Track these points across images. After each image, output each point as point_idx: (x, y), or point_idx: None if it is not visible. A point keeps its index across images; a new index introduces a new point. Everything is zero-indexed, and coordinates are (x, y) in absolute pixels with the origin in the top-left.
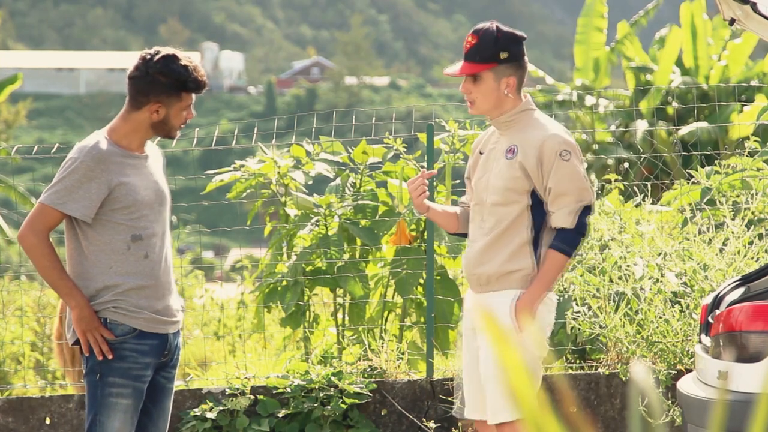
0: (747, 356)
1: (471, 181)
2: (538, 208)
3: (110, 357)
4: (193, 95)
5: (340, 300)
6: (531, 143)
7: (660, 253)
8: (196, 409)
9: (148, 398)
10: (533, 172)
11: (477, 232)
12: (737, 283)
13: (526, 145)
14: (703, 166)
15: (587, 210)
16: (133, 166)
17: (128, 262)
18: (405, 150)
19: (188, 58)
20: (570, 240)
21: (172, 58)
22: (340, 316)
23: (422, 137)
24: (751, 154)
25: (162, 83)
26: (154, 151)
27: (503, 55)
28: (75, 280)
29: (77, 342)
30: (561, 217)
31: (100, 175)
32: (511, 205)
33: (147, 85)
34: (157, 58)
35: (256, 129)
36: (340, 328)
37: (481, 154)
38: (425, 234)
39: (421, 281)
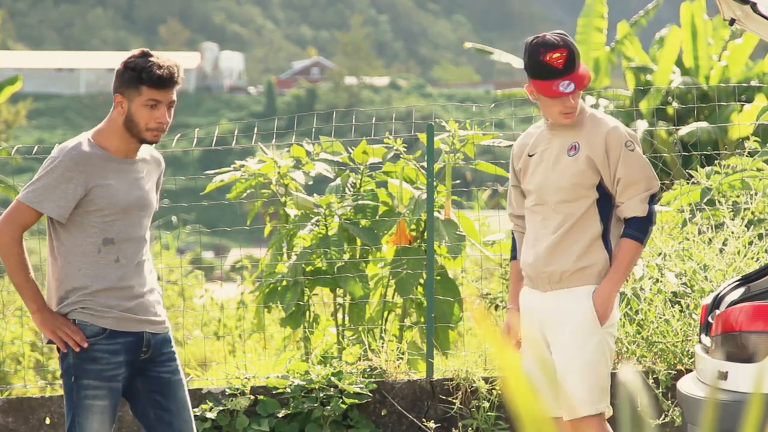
0: (747, 356)
1: (518, 188)
2: (603, 202)
3: (85, 346)
4: (157, 92)
5: (340, 300)
6: (595, 137)
7: (660, 253)
8: (196, 409)
9: (160, 395)
10: (602, 165)
11: (541, 232)
12: (737, 283)
13: (590, 140)
14: (703, 167)
15: (654, 198)
16: (116, 169)
17: (98, 265)
18: (405, 150)
19: (164, 57)
20: (643, 227)
21: (141, 53)
22: (340, 316)
23: (422, 137)
24: (751, 155)
25: (121, 74)
26: (151, 159)
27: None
28: (49, 281)
29: (51, 341)
30: (633, 206)
31: (78, 176)
32: (579, 201)
33: (117, 80)
34: (132, 54)
35: (256, 129)
36: (340, 328)
37: (530, 156)
38: (425, 234)
39: (421, 281)
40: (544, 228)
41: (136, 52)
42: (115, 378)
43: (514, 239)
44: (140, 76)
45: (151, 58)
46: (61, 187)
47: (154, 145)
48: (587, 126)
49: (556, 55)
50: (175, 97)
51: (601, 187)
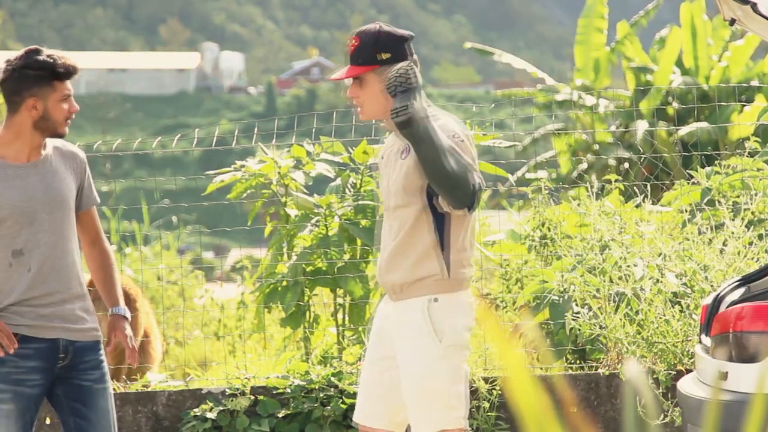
0: (747, 356)
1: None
2: (437, 209)
3: (11, 351)
4: (68, 84)
5: (340, 300)
6: None
7: (660, 254)
8: (196, 410)
9: (80, 403)
10: None
11: (386, 238)
12: (737, 283)
13: None
14: (703, 167)
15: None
16: (13, 175)
17: (10, 279)
18: None
19: (51, 52)
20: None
21: (34, 51)
22: (340, 316)
23: None
24: (751, 155)
25: (31, 76)
26: (61, 154)
27: (384, 56)
28: None
29: None
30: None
31: None
32: (410, 207)
33: (16, 83)
34: (20, 54)
35: (256, 129)
36: (340, 328)
37: (381, 158)
38: None
39: None
40: (388, 235)
41: (21, 53)
42: (24, 382)
43: None
44: (54, 71)
45: (47, 54)
46: None
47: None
48: None
49: (351, 40)
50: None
51: (431, 193)
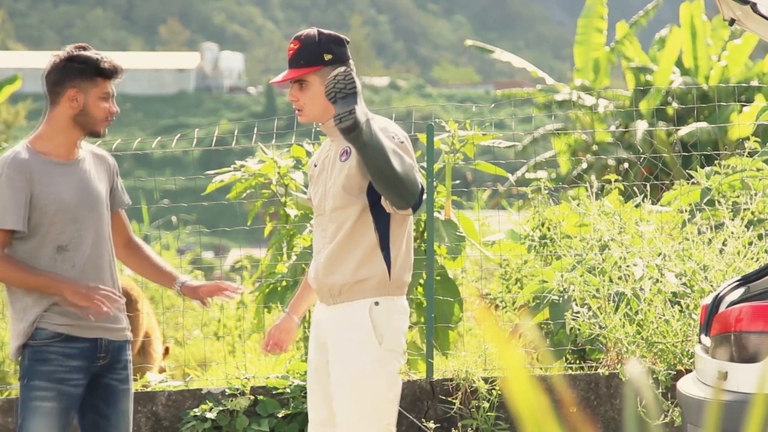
0: (747, 356)
1: (312, 200)
2: (379, 209)
3: (123, 301)
4: (110, 85)
5: None
6: None
7: (660, 254)
8: (196, 410)
9: (102, 401)
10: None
11: (320, 243)
12: (737, 283)
13: None
14: (702, 167)
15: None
16: (57, 173)
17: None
18: None
19: (99, 52)
20: None
21: (82, 47)
22: None
23: (422, 137)
24: (750, 155)
25: (75, 68)
26: (94, 157)
27: (327, 57)
28: (8, 294)
29: (17, 353)
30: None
31: (23, 185)
32: (350, 207)
33: (60, 74)
34: (69, 48)
35: (255, 129)
36: None
37: (315, 167)
38: (425, 234)
39: (421, 281)
40: (323, 239)
41: (68, 48)
42: (68, 381)
43: None
44: (98, 67)
45: (96, 53)
46: (12, 198)
47: (99, 142)
48: None
49: (291, 44)
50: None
51: (373, 193)
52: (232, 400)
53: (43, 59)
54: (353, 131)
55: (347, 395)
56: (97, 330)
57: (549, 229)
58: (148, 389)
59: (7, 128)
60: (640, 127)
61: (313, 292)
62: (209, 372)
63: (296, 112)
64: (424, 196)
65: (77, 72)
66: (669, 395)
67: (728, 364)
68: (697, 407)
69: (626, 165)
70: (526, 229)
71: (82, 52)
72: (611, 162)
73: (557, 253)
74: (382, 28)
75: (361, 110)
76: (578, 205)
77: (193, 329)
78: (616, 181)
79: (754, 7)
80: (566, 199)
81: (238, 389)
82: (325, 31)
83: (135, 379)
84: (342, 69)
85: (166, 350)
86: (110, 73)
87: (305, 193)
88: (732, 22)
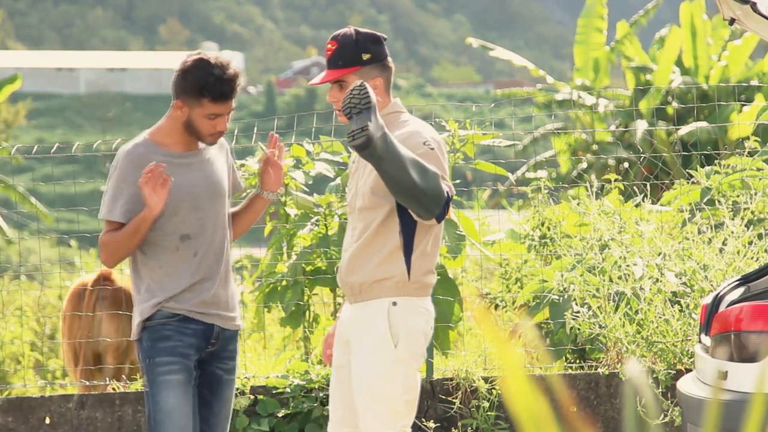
0: (747, 356)
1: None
2: (406, 213)
3: (171, 180)
4: (218, 107)
5: (340, 300)
6: (398, 141)
7: (660, 253)
8: None
9: (207, 389)
10: None
11: (348, 241)
12: (737, 283)
13: None
14: (702, 166)
15: (447, 203)
16: (177, 164)
17: (179, 263)
18: None
19: (224, 66)
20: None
21: (203, 63)
22: None
23: None
24: (750, 154)
25: (184, 83)
26: (215, 145)
27: (365, 56)
28: (133, 276)
29: (138, 332)
30: None
31: (136, 179)
32: (377, 209)
33: (175, 82)
34: (194, 58)
35: (255, 129)
36: None
37: (353, 163)
38: None
39: None
40: (351, 237)
41: (194, 56)
42: (188, 356)
43: None
44: (202, 90)
45: (214, 70)
46: (125, 190)
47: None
48: (394, 131)
49: (328, 45)
50: (234, 105)
51: None
52: None
53: (43, 59)
54: (366, 148)
55: (363, 395)
56: (212, 317)
57: (549, 229)
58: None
59: (7, 127)
60: (640, 126)
61: None
62: None
63: (336, 112)
64: (451, 205)
65: (185, 88)
66: (669, 395)
67: (728, 363)
68: (697, 407)
69: (626, 164)
70: (526, 229)
71: (200, 69)
72: (611, 161)
73: (557, 253)
74: (382, 27)
75: (376, 125)
76: (578, 204)
77: None
78: (616, 180)
79: (754, 6)
80: (566, 199)
81: (238, 389)
82: (363, 30)
83: (135, 379)
84: (357, 83)
85: None
86: (216, 98)
87: (305, 192)
88: (732, 21)
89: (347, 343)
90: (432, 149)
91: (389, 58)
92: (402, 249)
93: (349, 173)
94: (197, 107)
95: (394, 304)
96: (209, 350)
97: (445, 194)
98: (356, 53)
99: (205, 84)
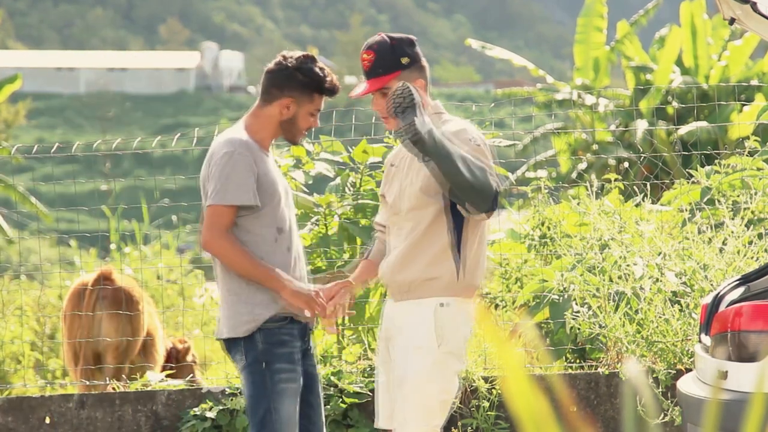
0: (747, 356)
1: (385, 197)
2: (455, 211)
3: (342, 314)
4: (323, 101)
5: None
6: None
7: (660, 253)
8: (195, 409)
9: (305, 388)
10: None
11: (395, 240)
12: (737, 282)
13: None
14: (702, 166)
15: (495, 199)
16: (265, 160)
17: (275, 254)
18: None
19: (325, 66)
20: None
21: (312, 59)
22: None
23: None
24: (751, 154)
25: (299, 80)
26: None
27: (404, 60)
28: (229, 273)
29: (229, 339)
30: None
31: (252, 165)
32: (427, 208)
33: (283, 79)
34: (298, 55)
35: None
36: (340, 327)
37: (392, 166)
38: None
39: None
40: (397, 237)
41: (294, 55)
42: (300, 362)
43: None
44: (320, 85)
45: (321, 66)
46: (246, 175)
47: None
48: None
49: (364, 56)
50: None
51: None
52: (232, 399)
53: (43, 59)
54: (415, 143)
55: (402, 392)
56: (304, 316)
57: (549, 229)
58: (148, 388)
59: (7, 127)
60: (640, 126)
61: (370, 269)
62: (209, 371)
63: (382, 119)
64: (500, 200)
65: (300, 84)
66: (669, 394)
67: (728, 363)
68: (697, 406)
69: (626, 164)
70: (526, 229)
71: (312, 65)
72: (611, 161)
73: (557, 253)
74: (382, 27)
75: (422, 121)
76: (578, 204)
77: (193, 328)
78: (616, 180)
79: (754, 6)
80: (566, 199)
81: (238, 388)
82: (395, 35)
83: (135, 379)
84: (400, 84)
85: (187, 349)
86: (330, 93)
87: (305, 192)
88: (732, 21)
89: (391, 340)
90: (478, 145)
91: (424, 59)
92: (451, 247)
93: (386, 175)
94: (307, 103)
95: (442, 305)
96: (303, 348)
97: (494, 189)
98: (395, 58)
99: (322, 79)
